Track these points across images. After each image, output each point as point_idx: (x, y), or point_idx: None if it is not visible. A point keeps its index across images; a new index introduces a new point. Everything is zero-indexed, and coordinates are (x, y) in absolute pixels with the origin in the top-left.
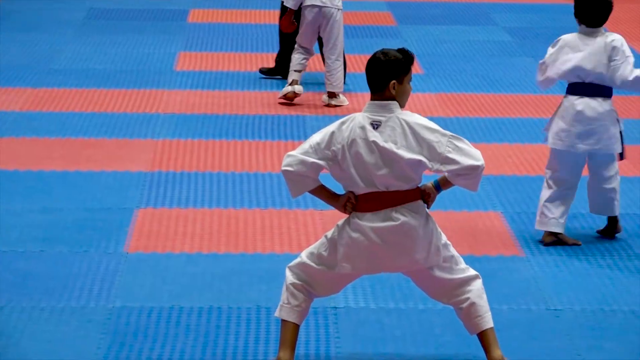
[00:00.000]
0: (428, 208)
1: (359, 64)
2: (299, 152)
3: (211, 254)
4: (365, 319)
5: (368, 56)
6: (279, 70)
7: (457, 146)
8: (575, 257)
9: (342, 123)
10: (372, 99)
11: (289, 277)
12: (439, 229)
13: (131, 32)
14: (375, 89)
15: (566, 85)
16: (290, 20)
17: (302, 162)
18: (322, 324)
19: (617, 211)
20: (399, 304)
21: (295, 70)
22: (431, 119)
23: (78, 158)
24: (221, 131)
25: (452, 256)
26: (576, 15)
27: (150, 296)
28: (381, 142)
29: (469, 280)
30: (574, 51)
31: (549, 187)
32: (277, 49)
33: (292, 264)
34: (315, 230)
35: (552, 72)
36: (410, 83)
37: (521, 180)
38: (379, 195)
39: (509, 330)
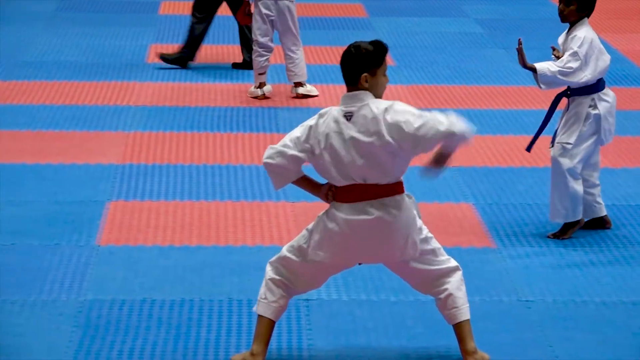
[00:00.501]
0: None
1: (330, 56)
2: (280, 145)
3: (183, 246)
4: (338, 310)
5: (340, 48)
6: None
7: (430, 118)
8: (546, 248)
9: (320, 116)
10: (347, 92)
11: (269, 272)
12: (420, 223)
13: (102, 24)
14: (349, 81)
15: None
16: (245, 12)
17: (282, 155)
18: (294, 316)
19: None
20: (371, 295)
21: (260, 74)
22: None
23: (49, 151)
24: (193, 123)
25: (433, 249)
26: (588, 8)
27: (122, 289)
28: (355, 134)
29: (448, 272)
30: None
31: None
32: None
33: (273, 258)
34: (287, 222)
35: (592, 73)
36: (387, 74)
37: (493, 172)
38: (357, 188)
39: (480, 321)
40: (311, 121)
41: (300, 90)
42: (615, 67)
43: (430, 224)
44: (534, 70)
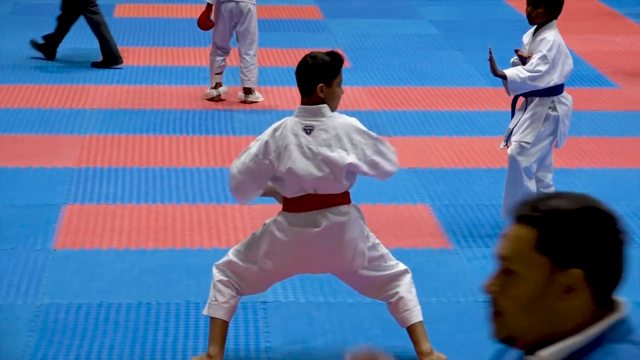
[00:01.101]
0: None
1: (287, 59)
2: (239, 167)
3: (139, 249)
4: (295, 313)
5: (295, 50)
6: (48, 49)
7: (380, 150)
8: None
9: (275, 130)
10: (302, 103)
11: (216, 274)
12: (367, 231)
13: None
14: (304, 92)
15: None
16: (208, 16)
17: (243, 174)
18: (251, 318)
19: None
20: (328, 297)
21: (216, 74)
22: (360, 112)
23: (4, 154)
24: (148, 126)
25: (381, 255)
26: (556, 10)
27: (78, 293)
28: (315, 147)
29: (398, 275)
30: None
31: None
32: (200, 43)
33: (219, 262)
34: (244, 225)
35: (558, 77)
36: (342, 86)
37: (449, 173)
38: (307, 198)
39: (438, 322)
40: (266, 136)
41: (249, 97)
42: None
43: (388, 225)
44: (504, 77)
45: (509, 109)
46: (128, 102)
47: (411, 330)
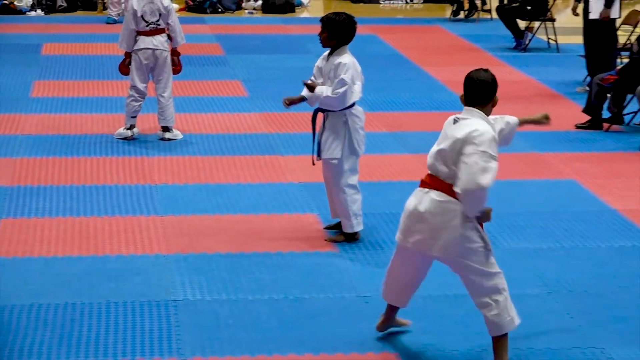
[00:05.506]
0: None
1: (192, 89)
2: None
3: (66, 257)
4: (202, 309)
5: (201, 82)
6: None
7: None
8: (380, 251)
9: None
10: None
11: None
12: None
13: None
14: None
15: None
16: (126, 63)
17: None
18: (164, 314)
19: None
20: (231, 295)
21: (131, 117)
22: (256, 135)
23: None
24: (73, 149)
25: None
26: (338, 37)
27: (12, 295)
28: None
29: None
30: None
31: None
32: (118, 77)
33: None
34: (157, 233)
35: (357, 95)
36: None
37: None
38: None
39: (325, 315)
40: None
41: (167, 135)
42: (437, 95)
43: (281, 232)
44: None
45: (386, 130)
46: (55, 129)
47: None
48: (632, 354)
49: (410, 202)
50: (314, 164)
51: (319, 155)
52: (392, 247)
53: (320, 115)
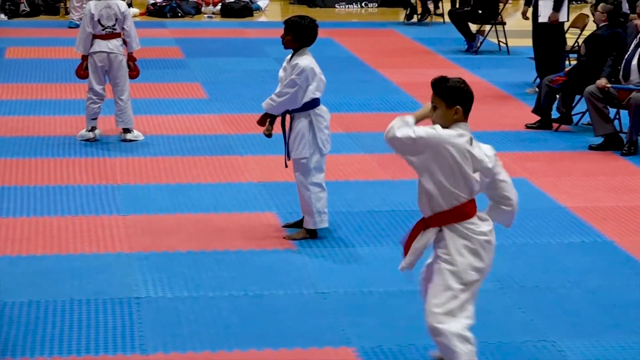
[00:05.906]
0: None
1: (152, 92)
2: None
3: (30, 255)
4: (164, 306)
5: (162, 84)
6: None
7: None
8: (338, 248)
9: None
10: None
11: None
12: None
13: None
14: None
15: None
16: (83, 67)
17: None
18: (126, 311)
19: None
20: (192, 292)
21: (92, 119)
22: (216, 136)
23: None
24: (36, 150)
25: None
26: (302, 39)
27: None
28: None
29: None
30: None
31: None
32: (80, 80)
33: None
34: (119, 232)
35: (311, 94)
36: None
37: (292, 186)
38: None
39: (284, 312)
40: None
41: (128, 136)
42: (392, 97)
43: (240, 230)
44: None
45: (342, 131)
46: (18, 130)
47: None
48: (582, 347)
49: (493, 238)
50: (286, 166)
51: (288, 156)
52: (349, 244)
53: (288, 117)
